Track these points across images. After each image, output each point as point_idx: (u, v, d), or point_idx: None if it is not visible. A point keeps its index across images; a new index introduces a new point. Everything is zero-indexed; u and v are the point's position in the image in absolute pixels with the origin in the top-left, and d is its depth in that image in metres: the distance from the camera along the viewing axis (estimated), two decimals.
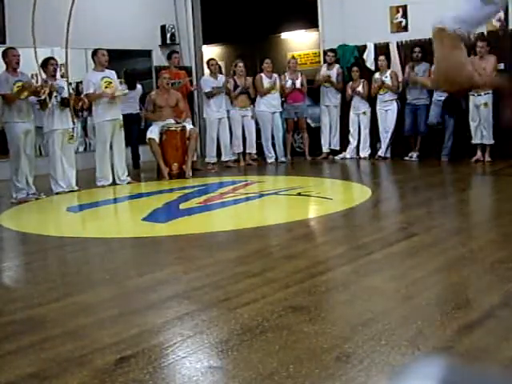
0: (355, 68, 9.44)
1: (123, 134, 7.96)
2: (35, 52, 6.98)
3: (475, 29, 1.53)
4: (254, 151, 9.64)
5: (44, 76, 7.19)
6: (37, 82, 7.52)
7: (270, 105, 9.49)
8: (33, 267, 4.24)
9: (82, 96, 7.71)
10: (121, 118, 7.94)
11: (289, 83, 9.59)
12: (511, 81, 1.65)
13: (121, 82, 8.69)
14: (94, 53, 7.86)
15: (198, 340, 2.67)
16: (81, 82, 9.65)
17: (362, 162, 9.32)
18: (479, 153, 8.40)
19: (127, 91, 8.38)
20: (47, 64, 7.28)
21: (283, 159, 9.61)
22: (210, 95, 9.20)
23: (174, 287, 3.50)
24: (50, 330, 2.89)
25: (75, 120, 7.70)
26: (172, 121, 8.31)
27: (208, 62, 9.50)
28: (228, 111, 9.44)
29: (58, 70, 7.66)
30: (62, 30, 7.35)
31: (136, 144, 9.60)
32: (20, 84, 6.83)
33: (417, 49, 8.80)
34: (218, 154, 9.44)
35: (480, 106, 8.23)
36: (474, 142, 8.42)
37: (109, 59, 7.88)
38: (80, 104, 7.50)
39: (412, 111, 8.98)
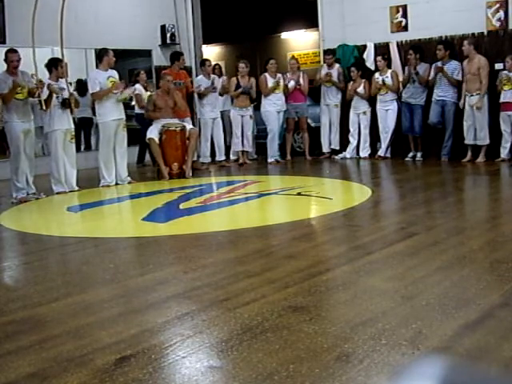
0: (355, 68, 9.44)
1: (126, 133, 7.95)
2: (33, 52, 6.96)
3: None
4: (251, 150, 9.66)
5: (47, 76, 7.18)
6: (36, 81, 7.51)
7: (275, 104, 9.48)
8: (33, 267, 4.23)
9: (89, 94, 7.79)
10: (124, 117, 7.92)
11: (291, 84, 9.57)
12: None
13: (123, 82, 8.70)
14: (105, 52, 7.80)
15: (197, 340, 2.67)
16: (81, 80, 9.71)
17: (362, 162, 9.32)
18: (470, 153, 8.39)
19: (134, 89, 8.42)
20: (57, 66, 7.24)
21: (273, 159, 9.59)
22: (199, 93, 9.23)
23: (174, 287, 3.50)
24: (50, 330, 2.89)
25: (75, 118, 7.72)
26: (171, 120, 8.31)
27: (202, 62, 9.61)
28: (222, 112, 9.47)
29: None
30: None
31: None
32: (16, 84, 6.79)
33: (411, 49, 8.83)
34: (213, 154, 9.47)
35: (473, 105, 8.21)
36: (466, 142, 8.41)
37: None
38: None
39: (408, 110, 8.96)
